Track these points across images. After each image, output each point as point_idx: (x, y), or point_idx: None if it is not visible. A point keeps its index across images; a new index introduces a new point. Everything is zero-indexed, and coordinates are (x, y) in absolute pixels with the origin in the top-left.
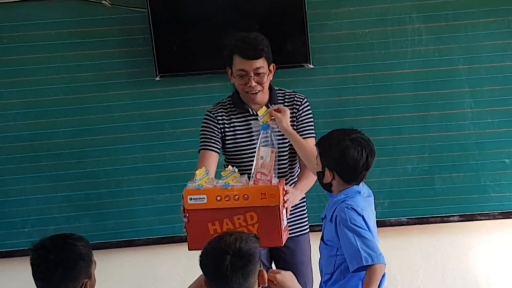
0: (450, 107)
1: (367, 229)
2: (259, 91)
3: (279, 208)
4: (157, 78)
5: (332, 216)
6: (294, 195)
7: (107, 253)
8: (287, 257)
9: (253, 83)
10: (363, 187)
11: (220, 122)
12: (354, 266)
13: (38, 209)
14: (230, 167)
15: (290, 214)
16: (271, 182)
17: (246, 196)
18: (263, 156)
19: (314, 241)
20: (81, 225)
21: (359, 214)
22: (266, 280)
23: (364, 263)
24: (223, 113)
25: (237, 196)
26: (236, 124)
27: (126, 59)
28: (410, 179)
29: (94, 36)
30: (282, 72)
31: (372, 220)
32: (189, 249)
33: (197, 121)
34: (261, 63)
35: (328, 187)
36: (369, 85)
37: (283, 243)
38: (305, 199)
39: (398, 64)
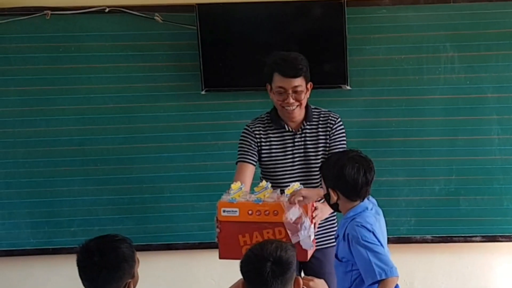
0: (478, 132)
1: (378, 243)
2: (296, 107)
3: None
4: (203, 92)
5: (344, 234)
6: (323, 210)
7: (147, 255)
8: (315, 267)
9: (291, 100)
10: (370, 204)
11: (257, 136)
12: (369, 281)
13: (85, 210)
14: (263, 182)
15: (320, 227)
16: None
17: (275, 212)
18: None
19: None
20: (124, 227)
21: (369, 230)
22: (302, 286)
23: (378, 278)
24: (260, 128)
25: (267, 211)
26: (272, 138)
27: (174, 73)
28: (437, 199)
29: (145, 49)
30: (321, 92)
31: (382, 235)
32: (220, 257)
33: (238, 134)
34: (299, 81)
35: (336, 207)
36: (402, 108)
37: (308, 258)
38: (334, 213)
39: (431, 89)
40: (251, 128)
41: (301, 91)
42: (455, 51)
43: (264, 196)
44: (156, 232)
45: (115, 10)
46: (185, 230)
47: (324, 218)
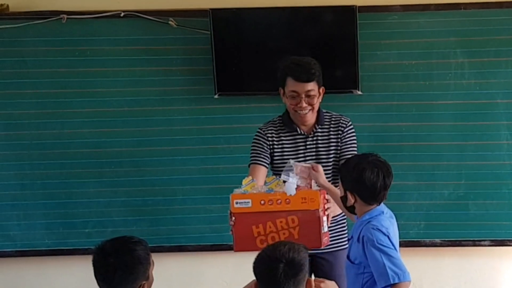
0: (487, 138)
1: (393, 247)
2: (309, 111)
3: (318, 211)
4: (216, 96)
5: (359, 237)
6: (336, 205)
7: (159, 256)
8: (326, 269)
9: (304, 104)
10: (385, 208)
11: (270, 139)
12: (382, 284)
13: (99, 212)
14: (272, 176)
15: (331, 229)
16: (311, 186)
17: (288, 200)
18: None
19: None
20: (137, 229)
21: (385, 234)
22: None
23: (391, 282)
24: (273, 131)
25: (279, 201)
26: (284, 141)
27: (187, 77)
28: (446, 204)
29: (160, 53)
30: (332, 97)
31: (395, 239)
32: (235, 250)
33: (250, 137)
34: (312, 86)
35: (352, 209)
36: (413, 113)
37: (322, 245)
38: (345, 216)
39: (441, 95)
40: (263, 131)
41: (314, 95)
42: (465, 57)
43: (275, 186)
44: (168, 234)
45: (130, 15)
46: (197, 232)
47: (337, 213)
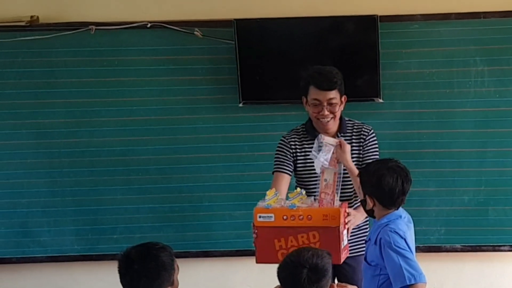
0: (507, 145)
1: (409, 250)
2: (331, 119)
3: (339, 229)
4: (240, 105)
5: (376, 239)
6: (356, 217)
7: (186, 262)
8: (348, 274)
9: (326, 112)
10: (403, 213)
11: (293, 146)
12: (398, 285)
13: (127, 218)
14: (298, 189)
15: (354, 235)
16: (333, 202)
17: (309, 216)
18: (327, 178)
19: None
20: (164, 235)
21: (402, 237)
22: None
23: (408, 283)
24: (296, 139)
25: (301, 216)
26: (307, 149)
27: (213, 86)
28: (466, 210)
29: (185, 63)
30: (354, 105)
31: (412, 243)
32: (257, 262)
33: (274, 145)
34: (334, 94)
35: (371, 213)
36: (433, 121)
37: (341, 261)
38: (367, 222)
39: (461, 102)
40: (287, 139)
41: (336, 104)
42: (485, 65)
43: (298, 202)
44: (194, 240)
45: (157, 26)
46: (223, 238)
47: (357, 224)
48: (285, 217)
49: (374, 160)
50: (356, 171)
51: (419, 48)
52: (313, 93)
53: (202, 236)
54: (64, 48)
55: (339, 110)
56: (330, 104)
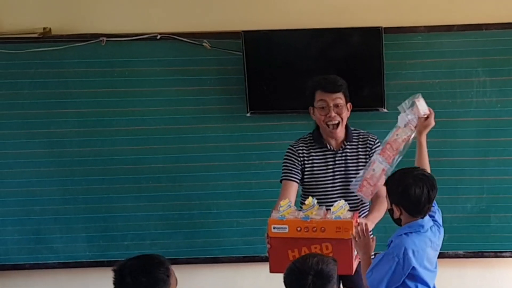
0: (508, 153)
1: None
2: (338, 122)
3: (351, 241)
4: (248, 114)
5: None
6: (368, 224)
7: (195, 267)
8: (354, 279)
9: (333, 114)
10: (428, 222)
11: (301, 155)
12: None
13: (137, 225)
14: (310, 199)
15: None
16: (372, 193)
17: (323, 228)
18: (375, 169)
19: None
20: (174, 241)
21: (406, 254)
22: None
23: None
24: (303, 147)
25: (315, 228)
26: (314, 157)
27: (221, 96)
28: (469, 217)
29: (194, 74)
30: (359, 114)
31: (426, 257)
32: (270, 271)
33: (281, 154)
34: (339, 96)
35: (399, 222)
36: (436, 130)
37: (354, 271)
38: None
39: (463, 112)
40: (295, 148)
41: (342, 106)
42: (487, 76)
43: (312, 213)
44: (203, 246)
45: (166, 37)
46: (231, 245)
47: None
48: (299, 229)
49: (399, 169)
50: (426, 149)
51: (423, 59)
52: (320, 95)
53: (210, 242)
54: (76, 59)
55: (345, 114)
56: (336, 106)
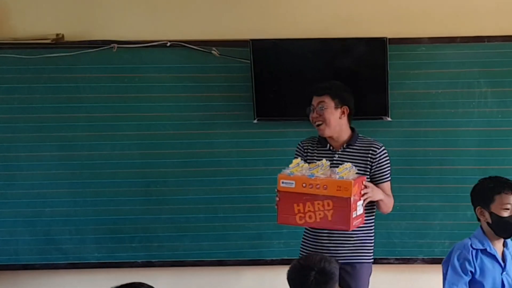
0: (509, 162)
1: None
2: (321, 123)
3: (350, 199)
4: (255, 121)
5: None
6: (375, 191)
7: (201, 270)
8: (347, 279)
9: (314, 115)
10: None
11: (305, 150)
12: None
13: (145, 228)
14: (297, 159)
15: (349, 243)
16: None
17: (325, 186)
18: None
19: (382, 273)
20: (180, 244)
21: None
22: None
23: None
24: (309, 145)
25: (318, 185)
26: (316, 155)
27: (228, 103)
28: (469, 224)
29: (203, 81)
30: (364, 123)
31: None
32: (278, 222)
33: (287, 160)
34: (323, 99)
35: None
36: (439, 139)
37: (351, 228)
38: (370, 233)
39: (465, 122)
40: (302, 144)
41: (325, 108)
42: (488, 87)
43: (318, 172)
44: (209, 249)
45: (176, 45)
46: (236, 248)
47: (375, 198)
48: (304, 185)
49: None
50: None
51: (426, 69)
52: (312, 99)
53: (216, 245)
54: (88, 65)
55: (330, 116)
56: (320, 108)
